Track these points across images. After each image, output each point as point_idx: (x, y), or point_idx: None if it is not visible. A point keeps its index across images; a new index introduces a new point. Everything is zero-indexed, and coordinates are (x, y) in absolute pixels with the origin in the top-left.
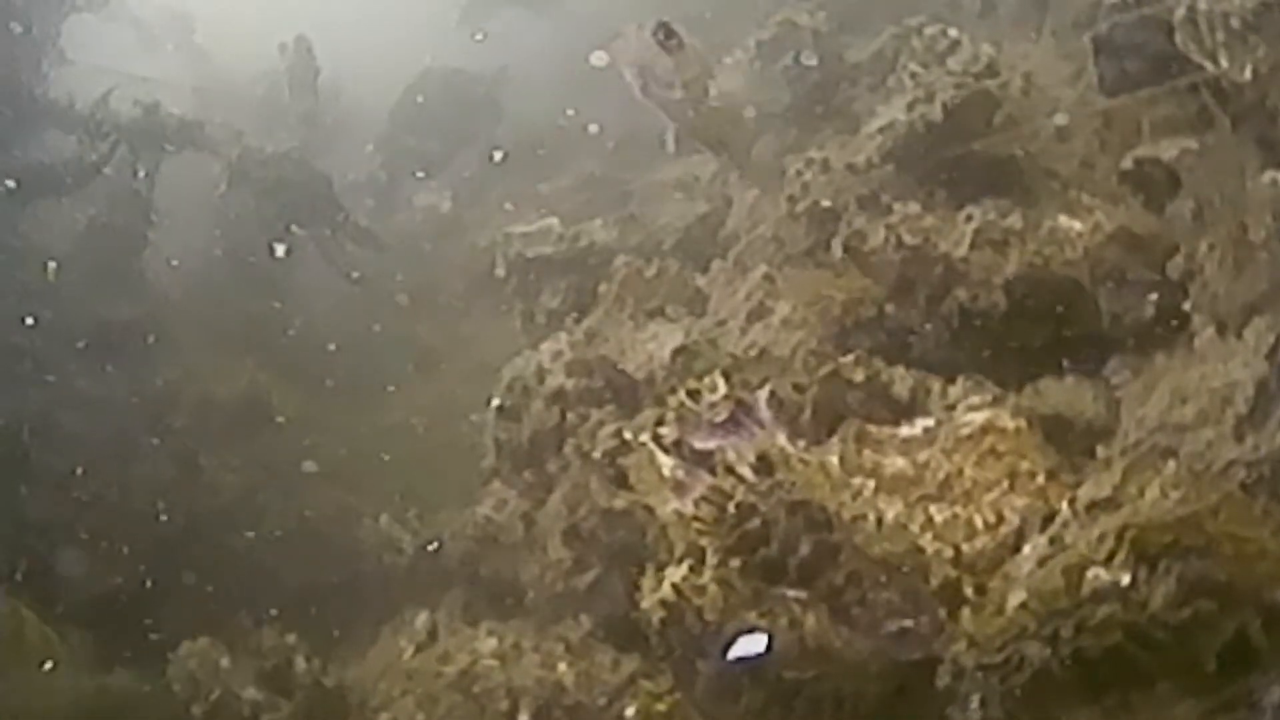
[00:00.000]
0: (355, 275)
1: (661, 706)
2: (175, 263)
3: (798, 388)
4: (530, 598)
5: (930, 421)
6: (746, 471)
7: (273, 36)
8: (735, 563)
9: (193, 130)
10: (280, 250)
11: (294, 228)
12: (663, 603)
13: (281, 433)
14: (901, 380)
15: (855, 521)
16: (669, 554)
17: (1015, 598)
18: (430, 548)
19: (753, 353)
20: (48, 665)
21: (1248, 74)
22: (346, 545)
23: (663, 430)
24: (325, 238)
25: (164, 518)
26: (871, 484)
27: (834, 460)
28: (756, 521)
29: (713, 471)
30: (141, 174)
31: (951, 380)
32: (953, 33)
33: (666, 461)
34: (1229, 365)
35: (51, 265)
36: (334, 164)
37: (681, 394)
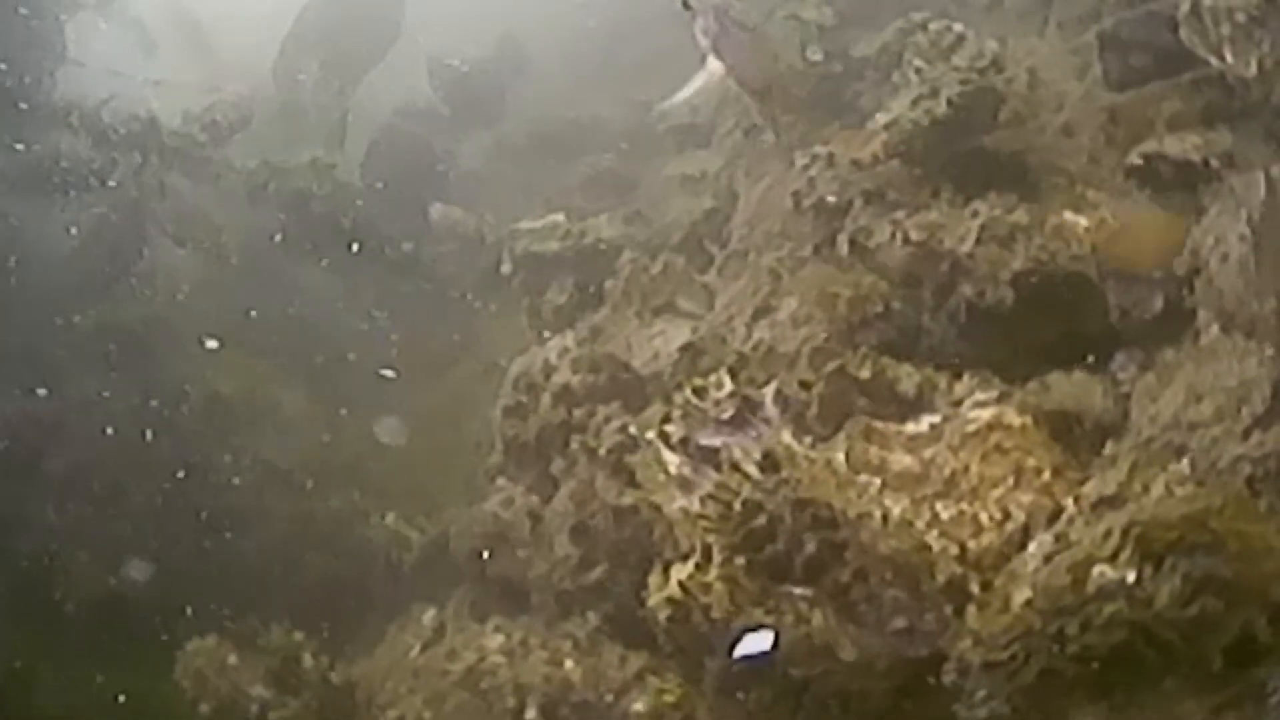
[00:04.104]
0: (361, 275)
1: (669, 699)
2: (183, 264)
3: (804, 384)
4: (537, 595)
5: (936, 418)
6: (753, 469)
7: (278, 36)
8: (741, 560)
9: (197, 152)
10: (287, 251)
11: (307, 232)
12: (669, 600)
13: (289, 432)
14: (908, 376)
15: (861, 519)
16: (675, 551)
17: (1021, 595)
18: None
19: (759, 349)
20: None
21: (1253, 69)
22: (354, 543)
23: (669, 427)
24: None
25: (171, 517)
26: (877, 481)
27: (840, 457)
28: (763, 519)
29: (719, 469)
30: (147, 180)
31: (958, 376)
32: (958, 28)
33: (673, 459)
34: (1242, 363)
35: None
36: (342, 165)
37: (688, 391)
